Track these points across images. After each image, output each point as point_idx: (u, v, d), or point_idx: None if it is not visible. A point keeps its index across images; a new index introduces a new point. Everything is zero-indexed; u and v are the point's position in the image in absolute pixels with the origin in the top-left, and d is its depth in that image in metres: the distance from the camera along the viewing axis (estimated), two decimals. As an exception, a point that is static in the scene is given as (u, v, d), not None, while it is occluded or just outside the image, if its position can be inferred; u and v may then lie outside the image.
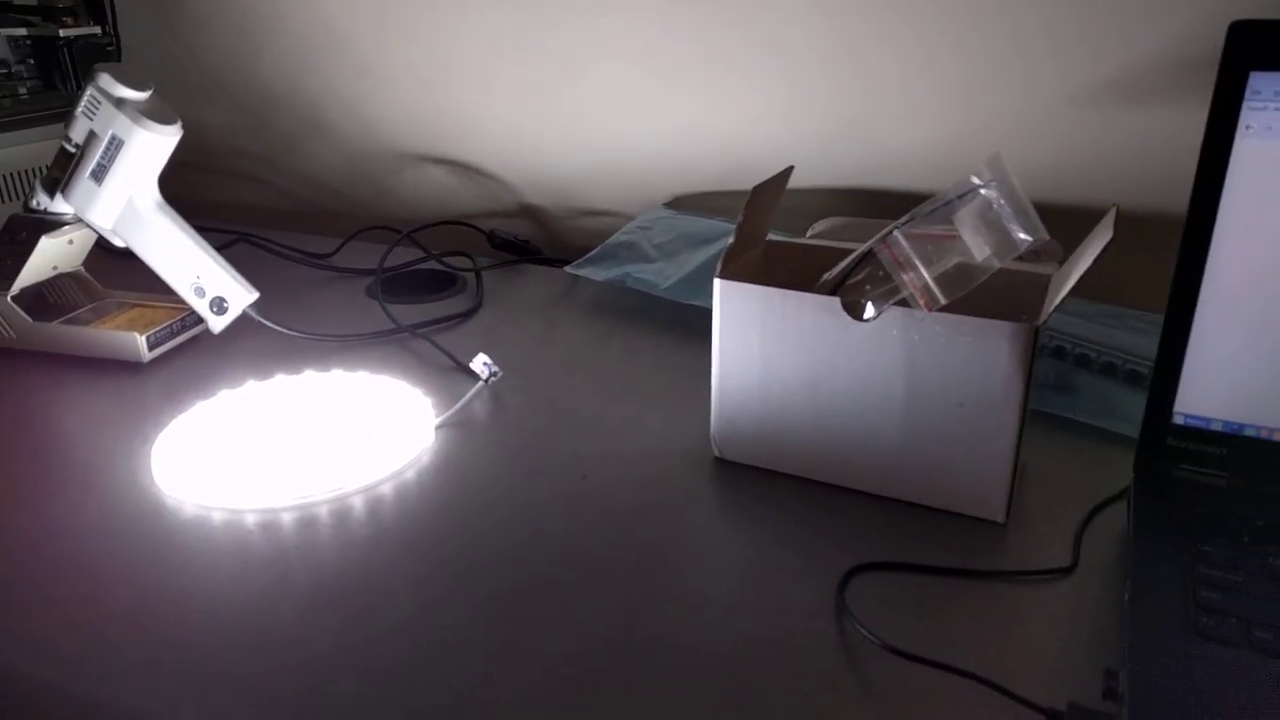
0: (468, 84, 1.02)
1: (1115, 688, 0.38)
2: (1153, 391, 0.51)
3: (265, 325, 0.76)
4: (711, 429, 0.60)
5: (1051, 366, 0.68)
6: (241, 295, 0.75)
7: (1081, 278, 0.49)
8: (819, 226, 0.72)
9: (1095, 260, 0.49)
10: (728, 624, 0.46)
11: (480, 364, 0.70)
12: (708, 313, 0.76)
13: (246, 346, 0.77)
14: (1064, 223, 0.61)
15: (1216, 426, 0.51)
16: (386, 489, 0.58)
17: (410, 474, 0.59)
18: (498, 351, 0.74)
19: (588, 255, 0.90)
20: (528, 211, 1.05)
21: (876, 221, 0.68)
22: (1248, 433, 0.50)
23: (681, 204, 0.97)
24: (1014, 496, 0.53)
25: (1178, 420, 0.51)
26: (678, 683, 0.43)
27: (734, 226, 0.88)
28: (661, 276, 0.84)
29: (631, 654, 0.44)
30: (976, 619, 0.47)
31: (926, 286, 0.50)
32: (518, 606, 0.48)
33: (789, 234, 0.86)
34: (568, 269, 0.89)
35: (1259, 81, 0.46)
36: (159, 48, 1.14)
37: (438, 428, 0.64)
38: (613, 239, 0.91)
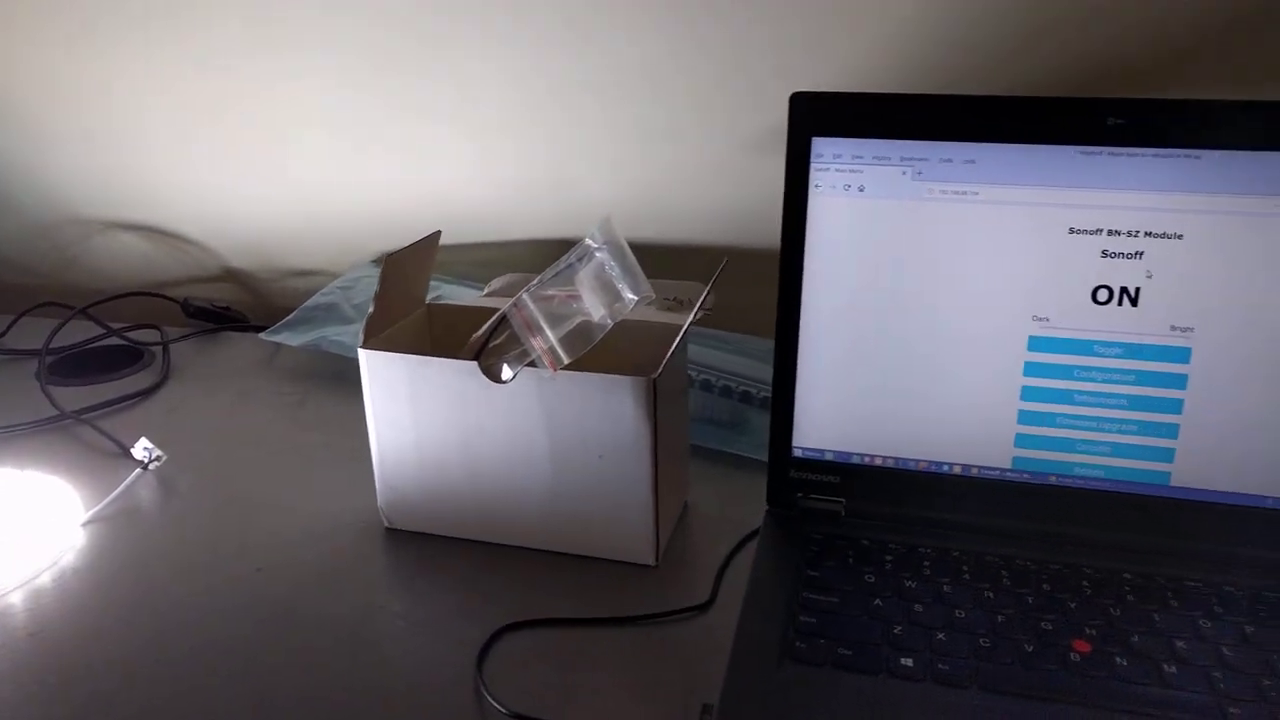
0: (162, 149, 0.96)
1: (708, 723, 0.41)
2: (773, 427, 0.55)
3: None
4: (378, 499, 0.59)
5: (723, 405, 0.72)
6: None
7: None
8: (495, 284, 0.73)
9: (705, 309, 0.52)
10: (376, 709, 0.45)
11: (141, 448, 0.66)
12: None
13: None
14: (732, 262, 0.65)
15: (829, 456, 0.55)
16: (16, 598, 0.53)
17: (47, 578, 0.55)
18: (180, 430, 0.70)
19: (284, 320, 0.87)
20: (232, 275, 1.01)
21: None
22: (855, 460, 0.55)
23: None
24: (662, 539, 0.56)
25: (797, 453, 0.56)
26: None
27: (440, 282, 0.88)
28: (358, 338, 0.82)
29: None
30: (616, 667, 0.48)
31: (551, 348, 0.52)
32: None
33: (473, 284, 0.87)
34: (262, 336, 0.86)
35: (820, 146, 0.51)
36: None
37: (85, 524, 0.60)
38: (311, 300, 0.89)
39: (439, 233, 0.63)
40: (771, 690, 0.42)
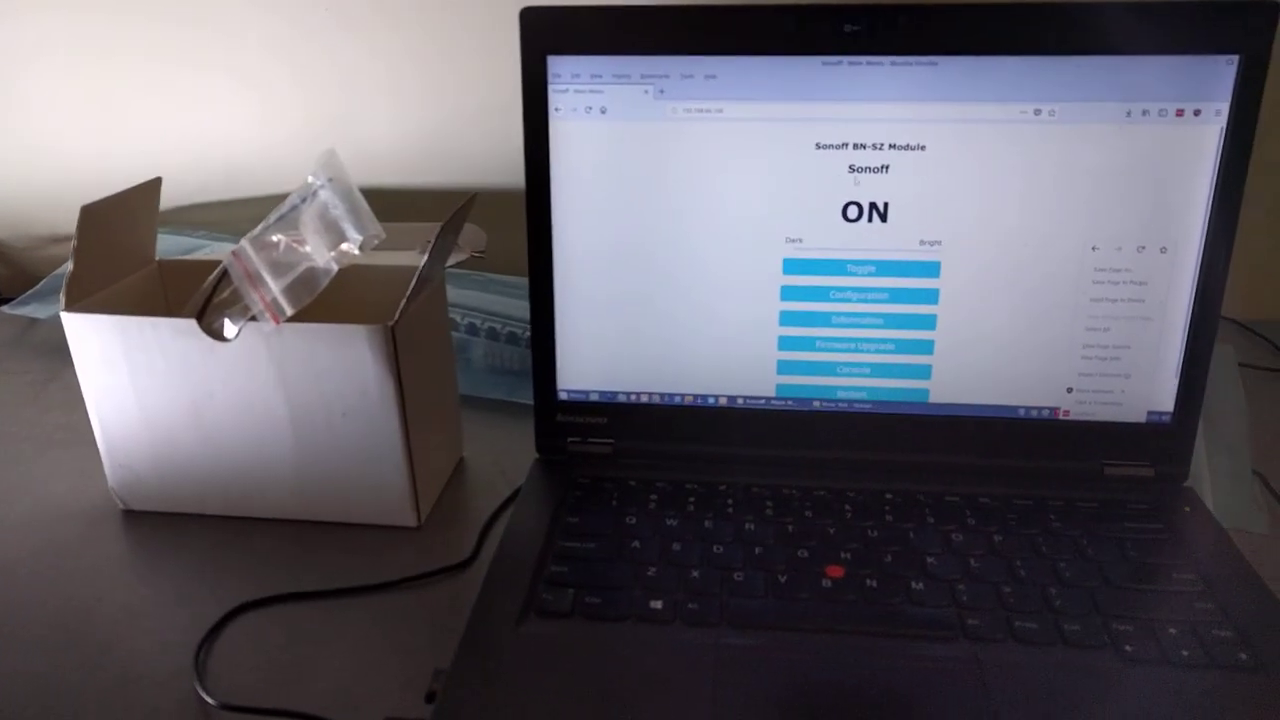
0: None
1: (436, 690, 0.38)
2: (536, 371, 0.52)
3: None
4: (108, 479, 0.53)
5: (511, 352, 0.68)
6: None
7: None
8: (250, 237, 0.67)
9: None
10: (89, 709, 0.41)
11: None
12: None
13: None
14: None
15: (594, 397, 0.53)
16: None
17: None
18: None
19: (30, 291, 0.79)
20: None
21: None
22: (621, 399, 0.53)
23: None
24: (425, 498, 0.52)
25: (562, 396, 0.53)
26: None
27: (200, 238, 0.81)
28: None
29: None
30: (358, 638, 0.44)
31: (274, 300, 0.47)
32: None
33: (232, 238, 0.81)
34: (5, 309, 0.78)
35: (557, 65, 0.48)
36: None
37: None
38: (61, 269, 0.81)
39: (158, 180, 0.57)
40: (507, 649, 0.39)
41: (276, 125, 0.84)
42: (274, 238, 0.48)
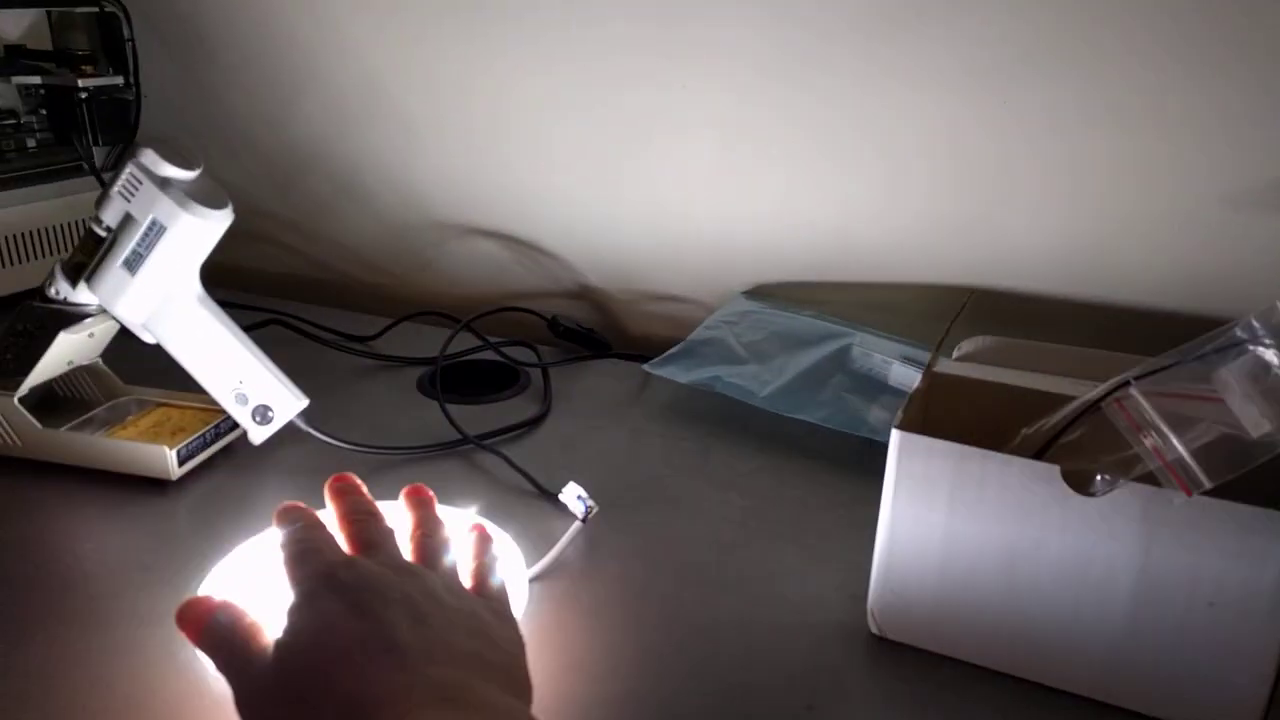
0: (522, 152, 0.93)
1: None
2: None
3: (312, 434, 0.65)
4: (870, 601, 0.50)
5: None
6: (290, 403, 0.64)
7: None
8: (966, 347, 0.63)
9: None
10: None
11: (574, 497, 0.60)
12: (810, 426, 0.66)
13: (286, 456, 0.67)
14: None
15: None
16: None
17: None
18: (578, 472, 0.63)
19: (668, 353, 0.80)
20: (586, 294, 0.96)
21: (1041, 346, 0.59)
22: None
23: (763, 294, 0.88)
24: (1270, 709, 0.44)
25: None
26: None
27: (833, 323, 0.79)
28: (758, 383, 0.75)
29: None
30: None
31: (1182, 462, 0.41)
32: None
33: (889, 336, 0.77)
34: (645, 367, 0.80)
35: None
36: (178, 98, 1.04)
37: (532, 581, 0.54)
38: (695, 334, 0.82)
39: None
40: None
41: (897, 213, 0.80)
42: (1173, 386, 0.42)
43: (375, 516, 0.44)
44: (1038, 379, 0.53)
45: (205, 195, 0.60)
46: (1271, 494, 0.41)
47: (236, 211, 0.62)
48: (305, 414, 0.65)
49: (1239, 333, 0.41)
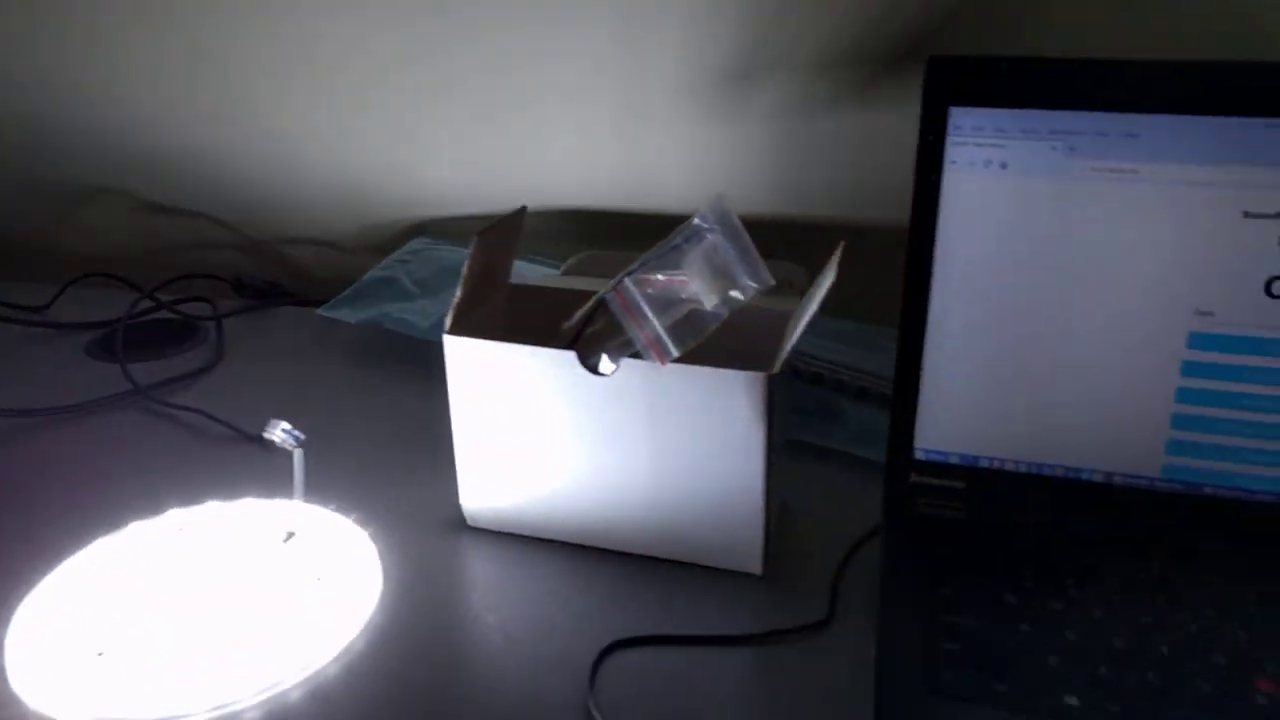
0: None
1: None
2: (893, 427, 0.51)
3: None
4: (460, 497, 0.55)
5: (811, 394, 0.67)
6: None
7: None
8: (571, 262, 0.68)
9: (828, 292, 0.47)
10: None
11: (279, 431, 0.59)
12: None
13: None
14: (815, 240, 0.60)
15: (955, 459, 0.51)
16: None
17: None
18: (264, 415, 0.64)
19: (341, 295, 0.83)
20: (263, 248, 0.96)
21: (629, 255, 0.65)
22: (983, 464, 0.50)
23: (436, 230, 0.91)
24: (770, 545, 0.51)
25: (919, 455, 0.51)
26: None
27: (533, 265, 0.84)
28: (423, 315, 0.78)
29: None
30: (732, 691, 0.44)
31: (658, 338, 0.47)
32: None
33: (538, 259, 0.82)
34: (319, 311, 0.82)
35: (959, 117, 0.46)
36: None
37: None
38: (369, 275, 0.85)
39: (524, 208, 0.58)
40: (923, 730, 0.38)
41: (557, 145, 0.85)
42: (656, 275, 0.48)
43: None
44: (597, 282, 0.58)
45: None
46: (750, 355, 0.48)
47: None
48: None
49: (697, 221, 0.48)
